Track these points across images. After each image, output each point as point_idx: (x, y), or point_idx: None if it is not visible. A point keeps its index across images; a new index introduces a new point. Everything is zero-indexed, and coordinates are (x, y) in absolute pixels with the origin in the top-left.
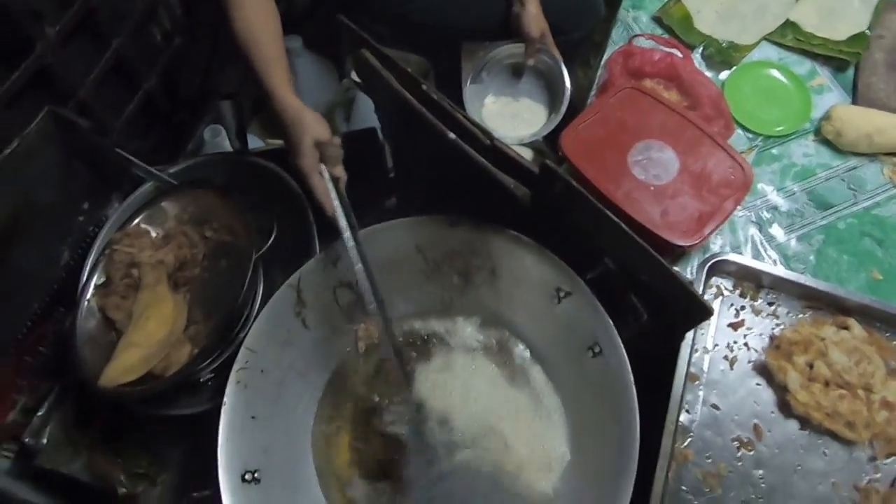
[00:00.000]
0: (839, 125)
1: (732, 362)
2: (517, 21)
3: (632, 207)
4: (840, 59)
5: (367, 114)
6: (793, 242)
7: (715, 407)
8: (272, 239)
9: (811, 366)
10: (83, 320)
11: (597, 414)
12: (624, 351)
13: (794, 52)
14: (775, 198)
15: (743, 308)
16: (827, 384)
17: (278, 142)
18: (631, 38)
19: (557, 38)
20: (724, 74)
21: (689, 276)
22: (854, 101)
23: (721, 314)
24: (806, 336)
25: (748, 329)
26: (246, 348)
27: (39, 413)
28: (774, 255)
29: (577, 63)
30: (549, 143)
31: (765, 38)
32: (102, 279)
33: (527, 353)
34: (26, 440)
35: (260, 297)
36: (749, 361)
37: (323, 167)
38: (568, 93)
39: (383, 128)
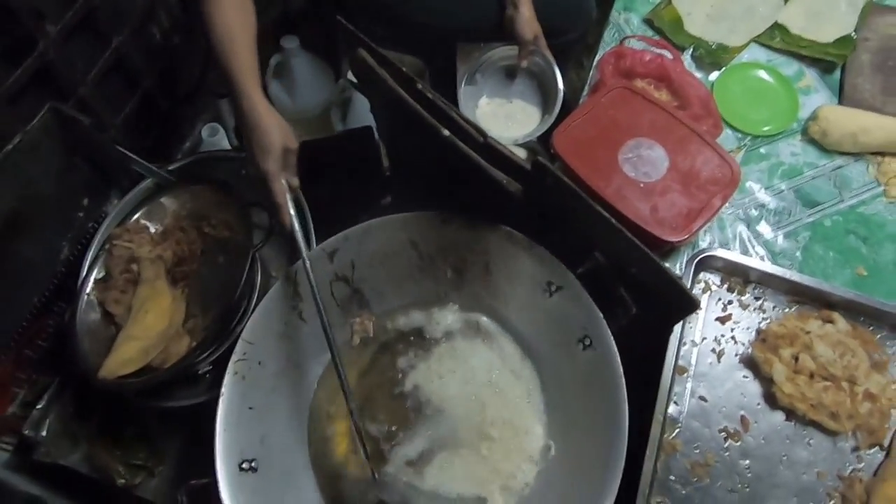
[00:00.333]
0: (825, 125)
1: (720, 355)
2: (511, 24)
3: (622, 204)
4: (827, 60)
5: (363, 114)
6: (780, 239)
7: (702, 399)
8: (269, 235)
9: (797, 358)
10: (83, 314)
11: (587, 405)
12: (614, 343)
13: (781, 53)
14: (763, 196)
15: (730, 302)
16: (812, 376)
17: None
18: (622, 39)
19: (550, 41)
20: (713, 75)
21: (677, 271)
22: (840, 102)
23: (709, 308)
24: (792, 330)
25: (735, 323)
26: (243, 340)
27: (39, 406)
28: (762, 252)
29: (570, 65)
30: (542, 143)
31: (753, 40)
32: (102, 274)
33: (518, 346)
34: (26, 432)
35: (257, 292)
36: (736, 354)
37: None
38: (561, 94)
39: (379, 127)
